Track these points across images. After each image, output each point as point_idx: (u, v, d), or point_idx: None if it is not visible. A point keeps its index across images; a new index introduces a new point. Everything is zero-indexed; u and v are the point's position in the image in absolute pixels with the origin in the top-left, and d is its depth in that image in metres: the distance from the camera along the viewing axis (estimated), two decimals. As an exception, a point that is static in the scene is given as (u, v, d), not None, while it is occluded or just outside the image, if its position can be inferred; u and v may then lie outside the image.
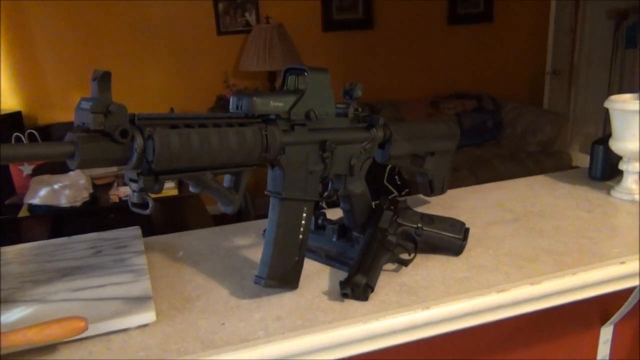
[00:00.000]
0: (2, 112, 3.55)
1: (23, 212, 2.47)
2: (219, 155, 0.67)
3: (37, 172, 2.62)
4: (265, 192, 0.78)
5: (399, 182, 2.36)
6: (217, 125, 0.67)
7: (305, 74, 0.77)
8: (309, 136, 0.78)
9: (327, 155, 0.80)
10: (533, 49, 4.75)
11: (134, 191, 0.63)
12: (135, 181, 0.63)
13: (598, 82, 4.42)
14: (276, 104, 0.73)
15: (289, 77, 0.78)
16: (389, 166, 2.34)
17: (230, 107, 0.73)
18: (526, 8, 4.70)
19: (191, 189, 0.69)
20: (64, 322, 0.63)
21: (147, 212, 0.62)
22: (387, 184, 2.28)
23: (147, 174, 0.62)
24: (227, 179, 0.74)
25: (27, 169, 2.72)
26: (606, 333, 1.08)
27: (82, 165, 0.56)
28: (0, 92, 3.63)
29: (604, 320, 1.07)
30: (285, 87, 0.79)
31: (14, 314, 0.70)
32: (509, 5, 4.63)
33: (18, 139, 2.80)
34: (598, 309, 1.04)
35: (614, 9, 4.29)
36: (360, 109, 0.86)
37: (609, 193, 1.14)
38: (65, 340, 0.65)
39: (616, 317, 1.06)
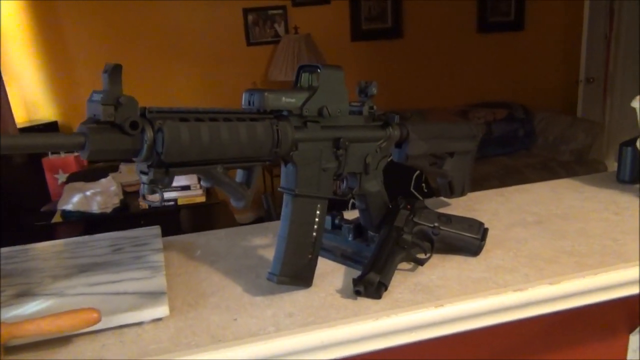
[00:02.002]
0: (39, 122, 3.67)
1: (56, 218, 2.53)
2: (229, 149, 0.67)
3: (71, 179, 2.69)
4: (279, 189, 0.78)
5: (425, 190, 2.33)
6: (228, 119, 0.68)
7: (319, 71, 0.77)
8: (322, 133, 0.78)
9: (340, 153, 0.80)
10: (565, 56, 4.66)
11: (144, 183, 0.64)
12: (146, 173, 0.64)
13: (635, 90, 4.29)
14: (288, 100, 0.73)
15: (303, 75, 0.79)
16: (416, 173, 2.32)
17: (243, 103, 0.73)
18: (558, 16, 4.62)
19: (203, 183, 0.70)
20: (77, 313, 0.64)
21: (158, 203, 0.63)
22: (413, 191, 2.26)
23: (157, 166, 0.63)
24: (239, 174, 0.74)
25: (62, 177, 2.80)
26: (635, 341, 1.03)
27: (92, 156, 0.58)
28: (37, 103, 3.76)
29: (632, 328, 1.03)
30: (299, 85, 0.79)
31: (32, 307, 0.72)
32: (540, 13, 4.56)
33: (54, 148, 2.88)
34: (625, 315, 1.01)
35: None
36: (375, 107, 0.86)
37: (637, 196, 1.10)
38: (79, 332, 0.66)
39: (645, 324, 1.02)
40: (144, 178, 0.64)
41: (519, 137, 4.29)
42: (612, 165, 4.37)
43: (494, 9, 4.49)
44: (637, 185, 1.16)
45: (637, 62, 4.29)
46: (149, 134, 0.61)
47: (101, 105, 0.57)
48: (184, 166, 0.65)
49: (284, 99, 0.73)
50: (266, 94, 0.71)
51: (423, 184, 2.35)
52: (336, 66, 0.79)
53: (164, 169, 0.63)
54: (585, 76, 4.42)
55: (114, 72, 0.58)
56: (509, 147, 4.23)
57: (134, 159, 0.63)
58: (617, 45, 4.40)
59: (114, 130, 0.59)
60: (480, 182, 0.95)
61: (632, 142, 1.15)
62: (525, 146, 4.33)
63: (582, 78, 4.43)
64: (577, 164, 4.02)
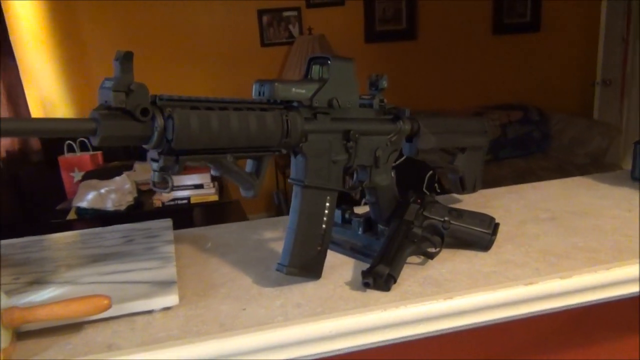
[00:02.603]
0: (56, 122, 3.71)
1: (71, 215, 2.56)
2: (239, 138, 0.67)
3: (86, 177, 2.72)
4: (289, 180, 0.78)
5: (438, 191, 2.32)
6: (238, 109, 0.68)
7: (329, 62, 0.77)
8: (332, 125, 0.78)
9: (350, 145, 0.80)
10: (582, 58, 4.61)
11: (154, 170, 0.64)
12: (156, 160, 0.64)
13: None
14: (298, 91, 0.74)
15: (314, 67, 0.79)
16: (429, 173, 2.31)
17: (253, 93, 0.74)
18: (575, 17, 4.58)
19: (212, 172, 0.71)
20: (89, 299, 0.65)
21: (167, 191, 0.64)
22: (426, 190, 2.25)
23: (167, 153, 0.63)
24: (249, 164, 0.74)
25: (77, 175, 2.83)
26: (650, 340, 1.02)
27: (103, 142, 0.58)
28: (54, 103, 3.81)
29: (647, 327, 1.02)
30: (309, 76, 0.79)
31: (45, 294, 0.73)
32: (557, 14, 4.53)
33: (70, 147, 2.92)
34: (638, 314, 0.99)
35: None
36: (385, 101, 0.86)
37: (652, 194, 1.09)
38: (90, 318, 0.67)
39: (660, 323, 1.01)
40: (154, 165, 0.64)
41: (534, 139, 4.25)
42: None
43: (510, 10, 4.46)
44: (652, 184, 1.15)
45: (656, 64, 4.24)
46: (159, 121, 0.62)
47: (112, 92, 0.58)
48: (194, 154, 0.66)
49: (294, 89, 0.73)
50: (276, 84, 0.72)
51: (436, 184, 2.34)
52: (347, 58, 0.79)
53: (174, 157, 0.64)
54: (602, 78, 4.37)
55: (125, 59, 0.59)
56: (524, 150, 4.20)
57: (144, 146, 0.64)
58: (634, 47, 4.35)
59: (125, 117, 0.59)
60: (495, 185, 0.95)
61: (647, 140, 1.14)
62: (540, 149, 4.29)
63: (598, 80, 4.39)
64: (593, 167, 3.98)
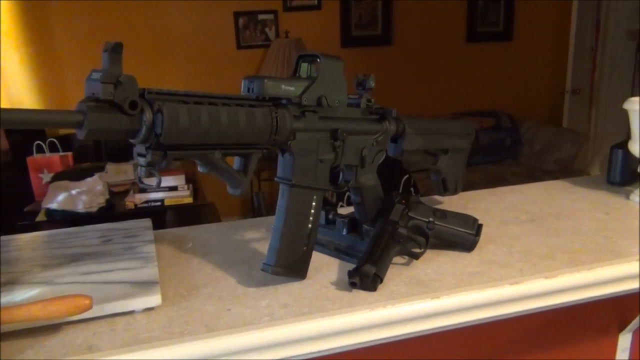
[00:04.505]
0: (25, 122, 3.61)
1: (40, 217, 2.49)
2: (228, 134, 0.66)
3: (56, 179, 2.65)
4: (275, 179, 0.77)
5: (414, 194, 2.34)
6: (227, 104, 0.67)
7: (318, 60, 0.77)
8: (320, 123, 0.78)
9: (338, 144, 0.79)
10: (552, 67, 4.73)
11: (141, 166, 0.63)
12: (144, 155, 0.63)
13: (619, 102, 4.33)
14: (287, 88, 0.73)
15: (302, 65, 0.78)
16: (405, 177, 2.33)
17: (242, 89, 0.73)
18: (546, 27, 4.69)
19: (200, 168, 0.69)
20: (69, 299, 0.62)
21: (154, 186, 0.62)
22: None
23: (155, 148, 0.62)
24: (236, 161, 0.73)
25: (46, 176, 2.76)
26: (625, 340, 1.04)
27: (90, 135, 0.56)
28: (23, 104, 3.71)
29: (622, 327, 1.04)
30: (298, 74, 0.79)
31: (21, 295, 0.70)
32: (528, 24, 4.63)
33: (39, 148, 2.85)
34: (616, 314, 1.01)
35: (634, 29, 4.26)
36: (372, 100, 0.85)
37: (627, 197, 1.11)
38: (70, 319, 0.65)
39: (635, 323, 1.03)
40: (142, 160, 0.63)
41: (505, 145, 4.33)
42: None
43: (483, 18, 4.54)
44: (627, 187, 1.17)
45: (622, 74, 4.36)
46: (148, 114, 0.60)
47: (100, 84, 0.56)
48: (182, 149, 0.64)
49: (283, 86, 0.73)
50: (266, 80, 0.71)
51: (412, 189, 2.36)
52: (336, 57, 0.79)
53: (162, 152, 0.62)
54: (572, 87, 4.48)
55: (115, 50, 0.57)
56: (495, 156, 4.27)
57: (131, 140, 0.62)
58: (602, 57, 4.48)
59: (113, 110, 0.58)
60: (467, 190, 0.96)
61: (623, 145, 1.16)
62: (511, 155, 4.37)
63: (568, 89, 4.49)
64: (562, 174, 4.06)
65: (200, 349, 0.63)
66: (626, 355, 1.03)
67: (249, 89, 0.72)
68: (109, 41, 0.57)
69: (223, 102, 0.67)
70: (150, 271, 0.77)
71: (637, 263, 0.80)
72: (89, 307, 0.63)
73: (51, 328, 0.65)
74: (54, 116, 0.56)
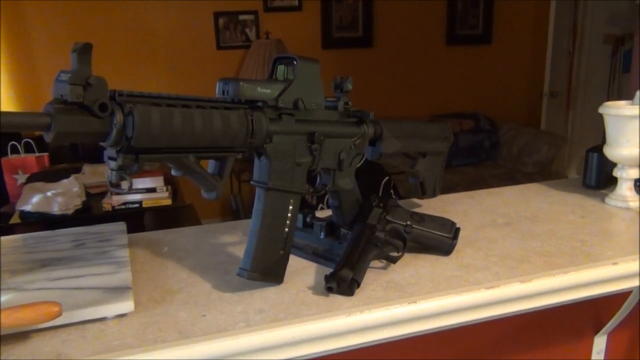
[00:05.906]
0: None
1: (14, 219, 2.44)
2: (202, 137, 0.65)
3: (31, 180, 2.60)
4: (251, 182, 0.76)
5: (394, 197, 2.34)
6: (201, 107, 0.66)
7: (295, 62, 0.76)
8: (297, 126, 0.77)
9: (315, 147, 0.79)
10: (531, 70, 4.79)
11: (112, 170, 0.61)
12: (115, 159, 0.61)
13: (596, 105, 4.39)
14: (263, 90, 0.72)
15: (279, 67, 0.78)
16: (385, 179, 2.33)
17: (217, 92, 0.72)
18: (524, 31, 4.75)
19: (173, 172, 0.68)
20: (37, 306, 0.61)
21: (125, 191, 0.61)
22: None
23: (126, 151, 0.60)
24: (211, 165, 0.72)
25: (21, 177, 2.71)
26: (600, 343, 1.05)
27: (58, 138, 0.55)
28: (-2, 101, 3.64)
29: (597, 329, 1.05)
30: (274, 77, 0.78)
31: (-13, 301, 0.68)
32: (507, 28, 4.69)
33: (14, 148, 2.79)
34: (591, 317, 1.02)
35: (610, 34, 4.34)
36: (350, 103, 0.85)
37: (603, 201, 1.13)
38: (39, 327, 0.63)
39: (610, 326, 1.04)
40: (112, 164, 0.61)
41: (484, 148, 4.37)
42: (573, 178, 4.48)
43: (463, 22, 4.58)
44: (603, 191, 1.18)
45: (599, 77, 4.44)
46: (118, 117, 0.58)
47: (69, 85, 0.55)
48: (155, 153, 0.63)
49: (259, 89, 0.72)
50: (241, 83, 0.70)
51: (392, 190, 2.36)
52: (313, 59, 0.78)
53: (133, 155, 0.61)
54: (549, 90, 4.54)
55: (84, 51, 0.56)
56: (474, 158, 4.31)
57: (101, 144, 0.60)
58: (579, 60, 4.55)
59: (82, 112, 0.56)
60: (447, 192, 0.96)
61: (598, 149, 1.18)
62: (490, 157, 4.42)
63: (546, 92, 4.56)
64: (540, 176, 4.12)
65: (174, 356, 0.61)
66: (601, 356, 1.04)
67: (224, 91, 0.71)
68: (78, 42, 0.55)
69: (197, 104, 0.66)
70: (123, 276, 0.75)
71: (612, 267, 0.80)
72: (59, 314, 0.61)
73: (19, 336, 0.63)
74: (20, 118, 0.54)
